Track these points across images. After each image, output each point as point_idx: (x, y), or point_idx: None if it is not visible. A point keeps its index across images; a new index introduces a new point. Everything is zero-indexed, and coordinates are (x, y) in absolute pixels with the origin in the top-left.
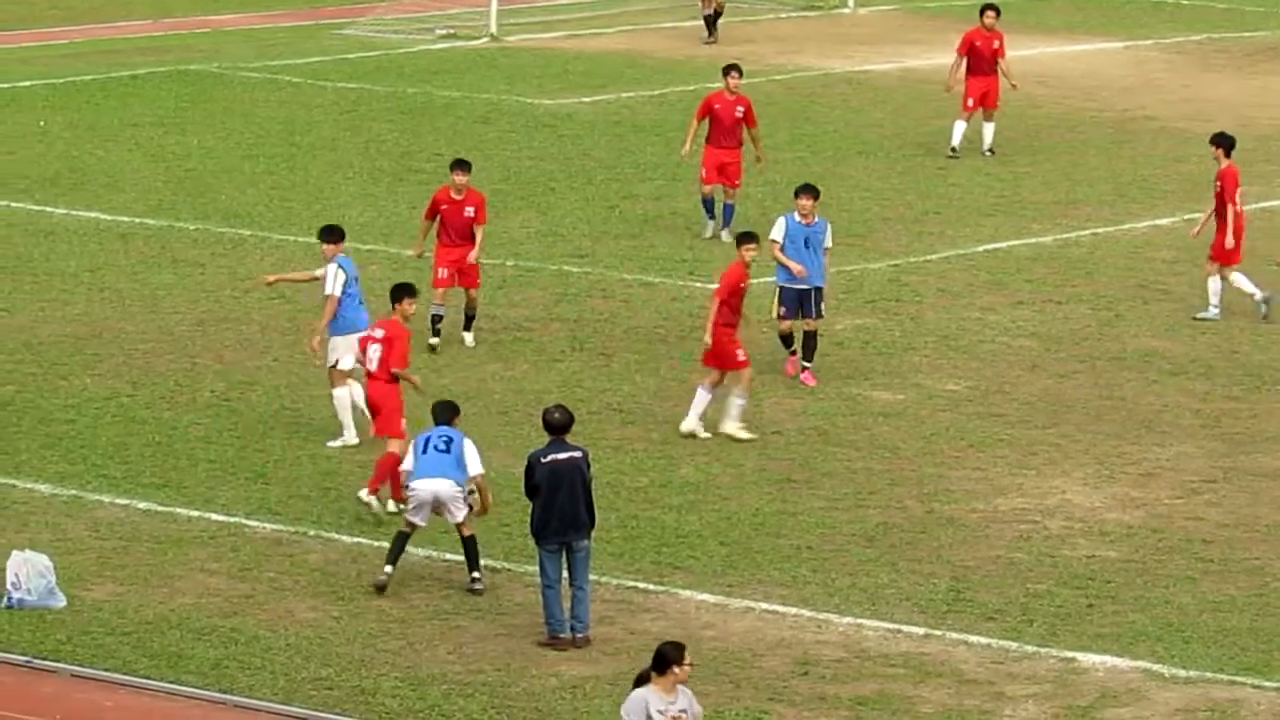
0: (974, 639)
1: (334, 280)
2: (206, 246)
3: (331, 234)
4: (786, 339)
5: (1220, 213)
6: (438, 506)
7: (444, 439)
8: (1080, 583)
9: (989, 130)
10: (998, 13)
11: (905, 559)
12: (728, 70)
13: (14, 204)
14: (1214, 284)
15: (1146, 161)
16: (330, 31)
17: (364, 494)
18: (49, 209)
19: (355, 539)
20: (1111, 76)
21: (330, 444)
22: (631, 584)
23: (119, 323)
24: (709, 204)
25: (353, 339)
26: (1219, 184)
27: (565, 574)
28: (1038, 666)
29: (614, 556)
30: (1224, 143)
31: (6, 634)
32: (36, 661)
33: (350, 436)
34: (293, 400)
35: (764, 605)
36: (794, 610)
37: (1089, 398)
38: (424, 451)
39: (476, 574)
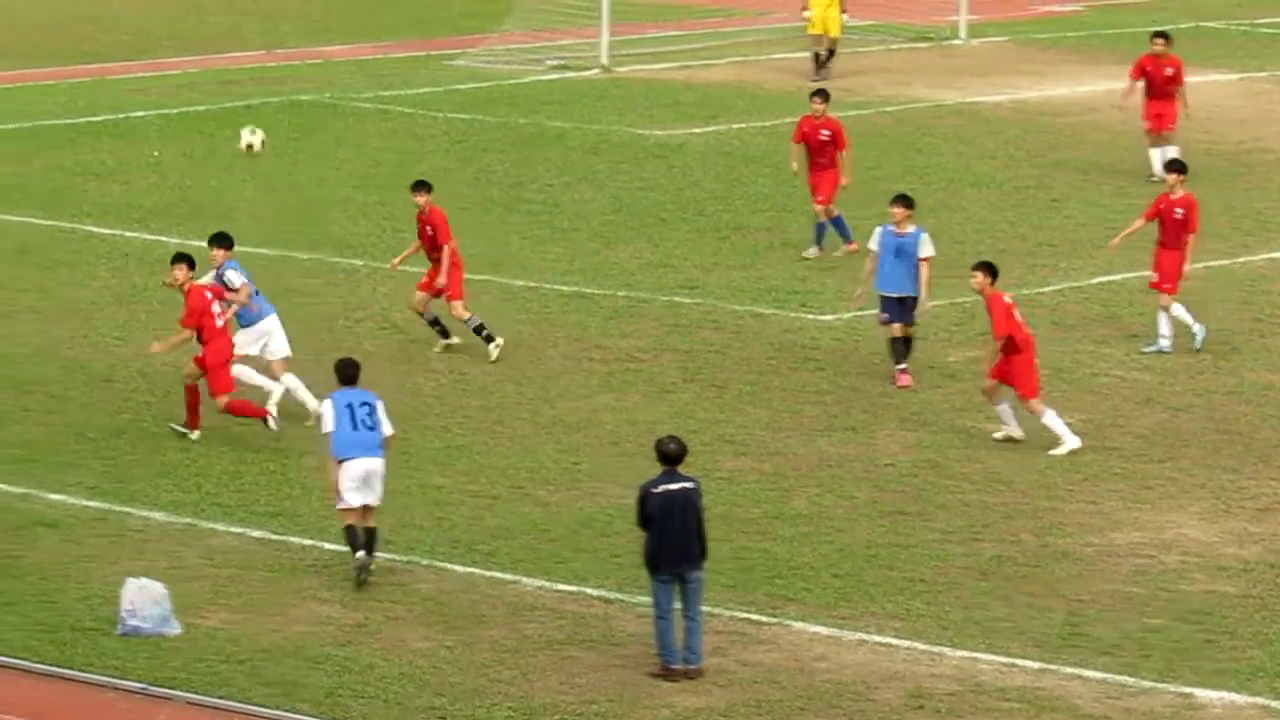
0: (1089, 674)
1: (238, 278)
2: (319, 276)
3: (223, 240)
4: (896, 346)
5: None
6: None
7: (367, 411)
8: (1197, 618)
9: (1158, 155)
10: (1166, 39)
11: (1020, 592)
12: (813, 95)
13: (129, 233)
14: None
15: (1262, 194)
16: (442, 62)
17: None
18: (163, 238)
19: (467, 569)
20: (1227, 108)
21: (307, 423)
22: (744, 615)
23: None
24: (834, 223)
25: (259, 328)
26: None
27: (678, 605)
28: (1154, 702)
29: (727, 588)
30: None
31: (122, 661)
32: (152, 689)
33: (313, 404)
34: (405, 430)
35: (877, 638)
36: (907, 643)
37: (1205, 431)
38: (353, 427)
39: (364, 555)
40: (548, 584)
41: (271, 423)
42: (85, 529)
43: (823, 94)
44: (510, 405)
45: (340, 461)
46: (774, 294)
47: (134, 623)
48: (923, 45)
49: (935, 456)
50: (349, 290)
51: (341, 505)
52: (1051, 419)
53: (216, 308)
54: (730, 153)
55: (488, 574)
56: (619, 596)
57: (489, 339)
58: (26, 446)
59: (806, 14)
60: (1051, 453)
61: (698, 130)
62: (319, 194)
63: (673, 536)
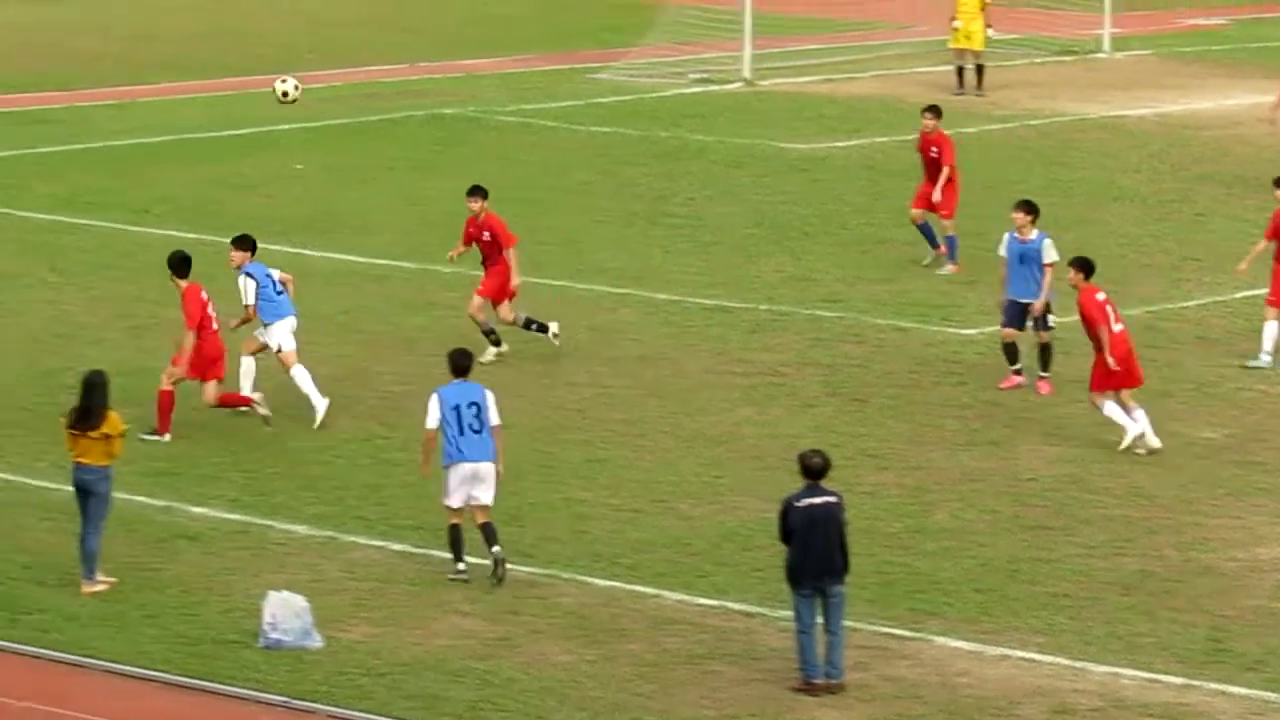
0: (1234, 689)
1: (247, 292)
2: (461, 290)
3: (243, 243)
4: (1009, 350)
5: None
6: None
7: (475, 413)
8: None
9: None
10: None
11: (1163, 607)
12: (924, 110)
13: (271, 246)
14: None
15: None
16: (585, 75)
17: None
18: (305, 251)
19: (609, 582)
20: None
21: (316, 424)
22: (886, 630)
23: (373, 365)
24: (921, 229)
25: (286, 324)
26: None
27: (820, 619)
28: None
29: (869, 602)
30: None
31: (264, 674)
32: (294, 702)
33: (320, 406)
34: (548, 444)
35: (1020, 653)
36: (1050, 658)
37: None
38: (460, 431)
39: (498, 548)
40: (689, 598)
41: (260, 408)
42: (227, 542)
43: (933, 110)
44: (652, 419)
45: (447, 466)
46: (916, 308)
47: (276, 636)
48: (1067, 59)
49: (1077, 471)
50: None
51: (446, 502)
52: (1111, 409)
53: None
54: (873, 166)
55: (629, 588)
56: (761, 611)
57: (543, 328)
58: (169, 459)
59: (956, 23)
60: (1121, 447)
61: (840, 144)
62: (460, 207)
63: (815, 551)
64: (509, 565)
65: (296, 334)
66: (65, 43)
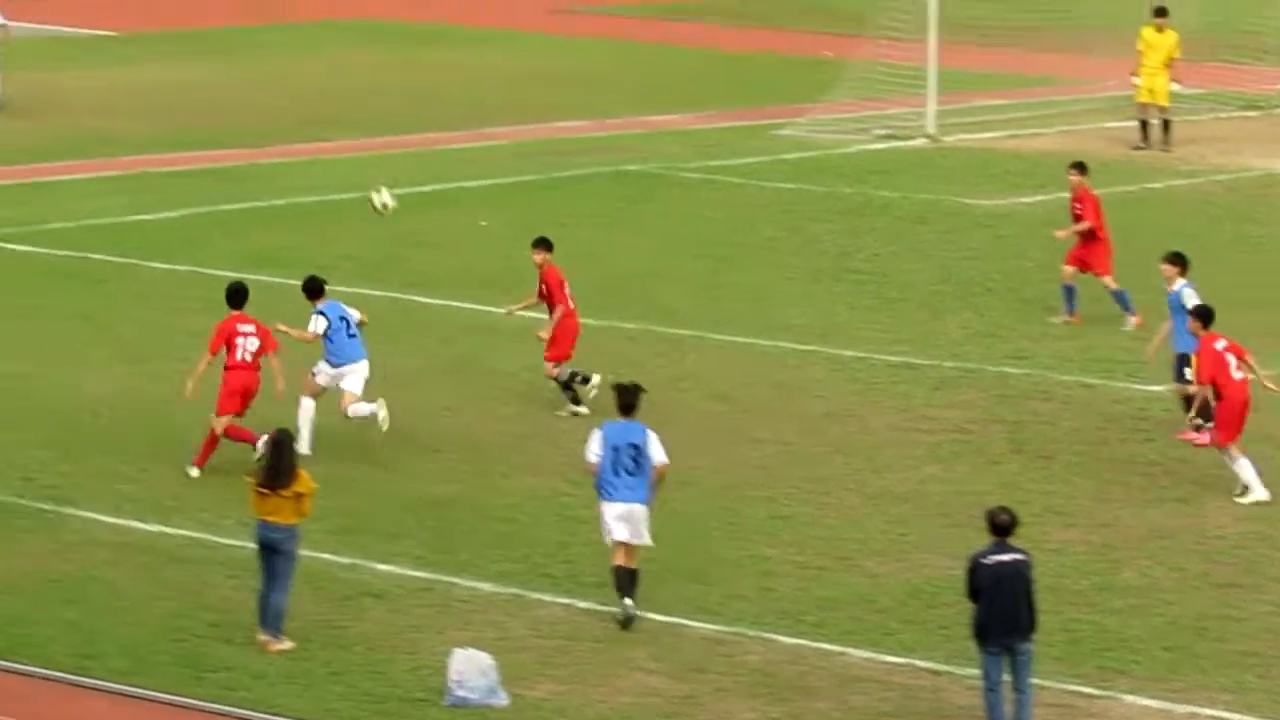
0: None
1: (313, 324)
2: (645, 346)
3: (311, 288)
4: (1184, 403)
5: None
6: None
7: (633, 454)
8: None
9: None
10: None
11: None
12: (1069, 166)
13: (455, 303)
14: None
15: None
16: (769, 132)
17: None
18: (490, 308)
19: (795, 640)
20: None
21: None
22: (1074, 688)
23: (559, 422)
24: (1065, 289)
25: (358, 369)
26: None
27: (1007, 677)
28: None
29: (1056, 660)
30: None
31: None
32: None
33: (381, 414)
34: (732, 500)
35: (1209, 711)
36: (1240, 717)
37: None
38: (615, 472)
39: (631, 601)
40: (875, 655)
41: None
42: (412, 599)
43: (1077, 166)
44: (837, 476)
45: (602, 500)
46: (1102, 363)
47: (461, 693)
48: (1253, 114)
49: (1266, 528)
50: (675, 360)
51: (608, 538)
52: (1243, 464)
53: (249, 342)
54: (1057, 223)
55: (815, 645)
56: (948, 669)
57: (585, 380)
58: (354, 516)
59: (1136, 80)
60: (1236, 499)
61: (1025, 200)
62: (645, 264)
63: (1002, 608)
64: (693, 623)
65: (370, 379)
66: (251, 99)
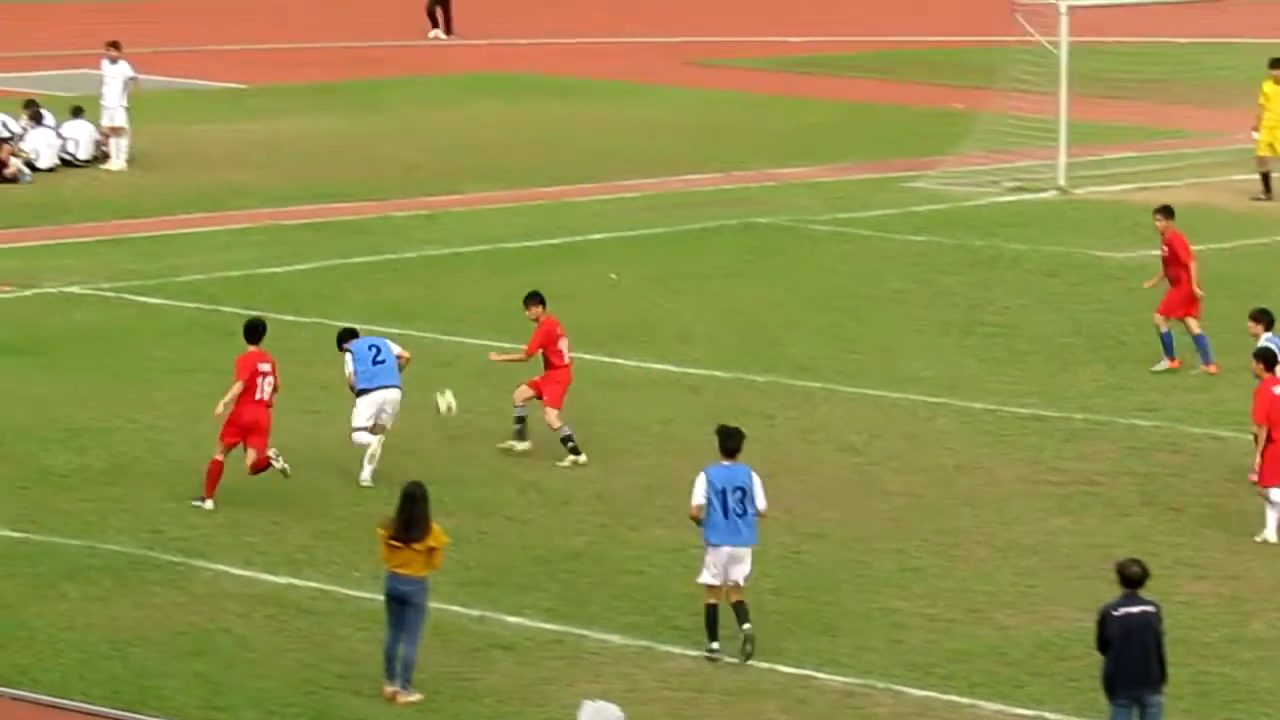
0: None
1: (346, 366)
2: (775, 399)
3: (340, 338)
4: None
5: None
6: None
7: (739, 497)
8: None
9: None
10: None
11: None
12: (1155, 211)
13: (586, 355)
14: None
15: None
16: (898, 184)
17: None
18: (620, 361)
19: (924, 692)
20: None
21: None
22: None
23: (689, 474)
24: (1162, 337)
25: (373, 398)
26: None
27: None
28: None
29: (1185, 713)
30: None
31: None
32: None
33: (366, 473)
34: (861, 553)
35: None
36: None
37: None
38: (724, 515)
39: (748, 625)
40: (1005, 708)
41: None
42: (542, 651)
43: (1162, 210)
44: (966, 528)
45: (709, 543)
46: (1232, 416)
47: None
48: None
49: None
50: (805, 413)
51: (704, 580)
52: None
53: (266, 381)
54: None
55: (944, 698)
56: None
57: (575, 450)
58: (483, 568)
59: (1256, 135)
60: (1256, 539)
61: (1155, 252)
62: (775, 316)
63: (1132, 660)
64: (822, 675)
65: (397, 411)
66: (381, 152)
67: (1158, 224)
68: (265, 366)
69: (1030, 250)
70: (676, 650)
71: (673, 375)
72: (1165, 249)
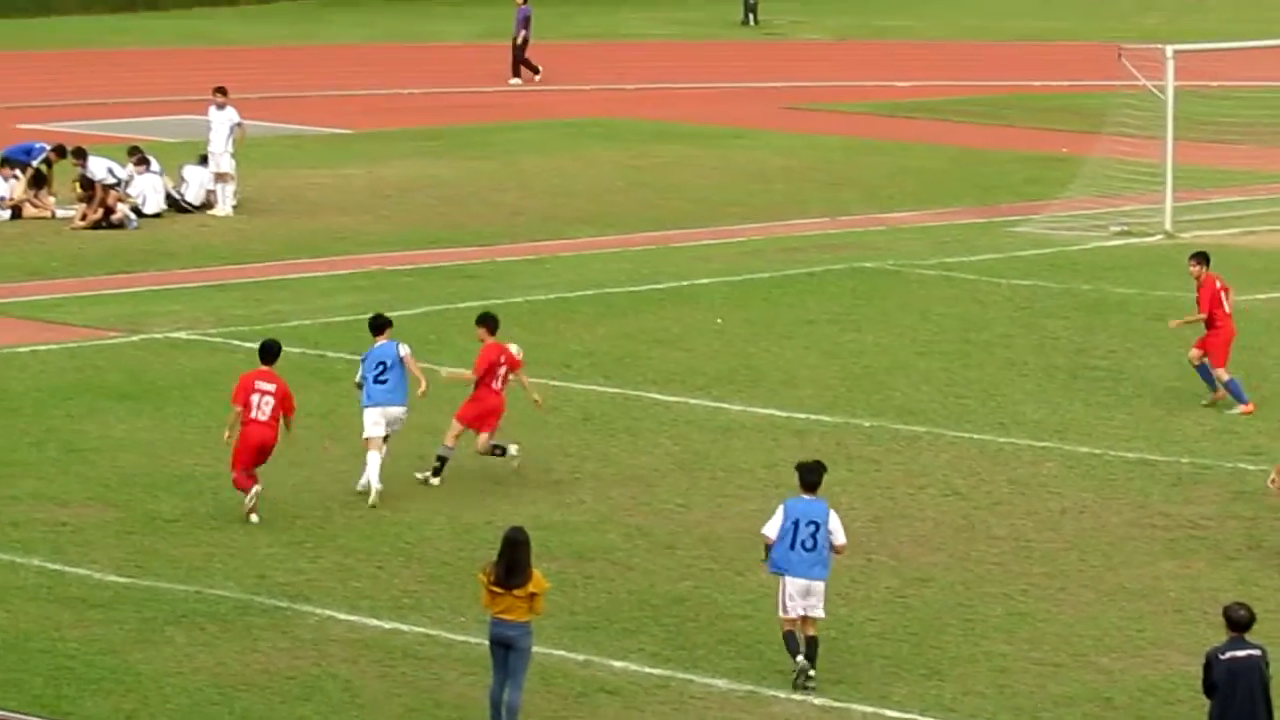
0: None
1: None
2: (881, 443)
3: (371, 325)
4: None
5: None
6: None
7: (811, 530)
8: None
9: None
10: None
11: None
12: (1190, 257)
13: (691, 400)
14: None
15: None
16: (1004, 228)
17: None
18: (725, 405)
19: None
20: None
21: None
22: None
23: None
24: (1199, 370)
25: (371, 413)
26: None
27: None
28: None
29: None
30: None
31: None
32: None
33: (373, 481)
34: (967, 598)
35: None
36: None
37: None
38: (791, 547)
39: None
40: None
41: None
42: (647, 696)
43: (1195, 256)
44: (1073, 572)
45: (778, 573)
46: None
47: None
48: None
49: None
50: (910, 457)
51: (782, 614)
52: None
53: (265, 400)
54: None
55: None
56: None
57: (503, 451)
58: (588, 613)
59: None
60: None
61: (1262, 296)
62: (881, 360)
63: (1238, 705)
64: (930, 719)
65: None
66: (486, 197)
67: (1190, 269)
68: (266, 385)
69: (1136, 294)
70: (782, 695)
71: (779, 419)
72: (1196, 295)
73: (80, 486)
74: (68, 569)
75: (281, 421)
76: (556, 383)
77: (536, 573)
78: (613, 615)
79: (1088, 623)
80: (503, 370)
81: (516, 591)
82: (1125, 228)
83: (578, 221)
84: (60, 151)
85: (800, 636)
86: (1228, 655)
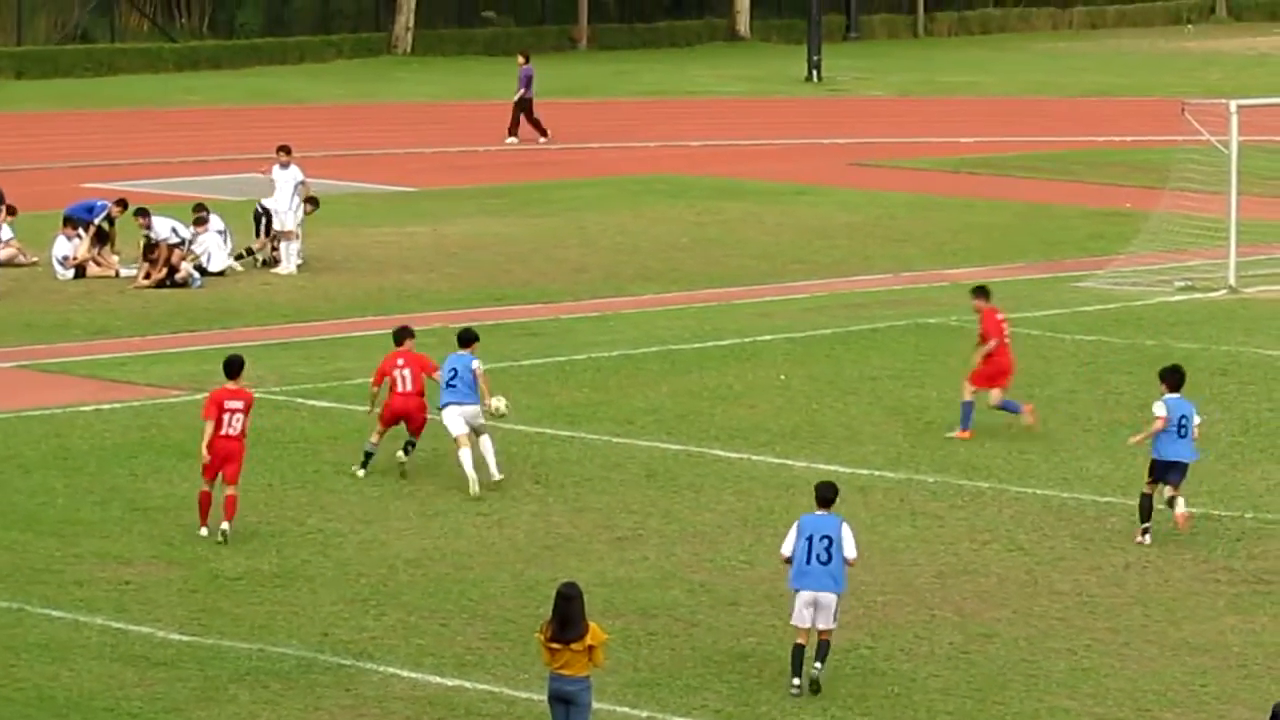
0: None
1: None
2: (945, 499)
3: (459, 338)
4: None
5: None
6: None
7: (825, 544)
8: None
9: None
10: None
11: None
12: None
13: (755, 457)
14: None
15: None
16: (1068, 284)
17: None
18: (789, 461)
19: None
20: None
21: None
22: None
23: (859, 575)
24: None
25: (453, 411)
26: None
27: None
28: None
29: None
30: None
31: None
32: None
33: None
34: (1031, 653)
35: None
36: None
37: None
38: (807, 561)
39: (820, 664)
40: None
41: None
42: None
43: (976, 291)
44: (1136, 627)
45: (793, 587)
46: None
47: None
48: None
49: None
50: (974, 512)
51: (792, 621)
52: None
53: (235, 418)
54: None
55: None
56: None
57: (365, 464)
58: (652, 670)
59: None
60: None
61: None
62: (944, 416)
63: None
64: None
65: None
66: (550, 254)
67: (975, 304)
68: (234, 404)
69: (1200, 349)
70: None
71: (842, 475)
72: (981, 326)
73: (144, 545)
74: (131, 627)
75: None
76: (620, 439)
77: (594, 625)
78: (676, 672)
79: (1151, 678)
80: (407, 372)
81: (574, 645)
82: (1189, 283)
83: (641, 278)
84: (122, 204)
85: (807, 652)
86: None
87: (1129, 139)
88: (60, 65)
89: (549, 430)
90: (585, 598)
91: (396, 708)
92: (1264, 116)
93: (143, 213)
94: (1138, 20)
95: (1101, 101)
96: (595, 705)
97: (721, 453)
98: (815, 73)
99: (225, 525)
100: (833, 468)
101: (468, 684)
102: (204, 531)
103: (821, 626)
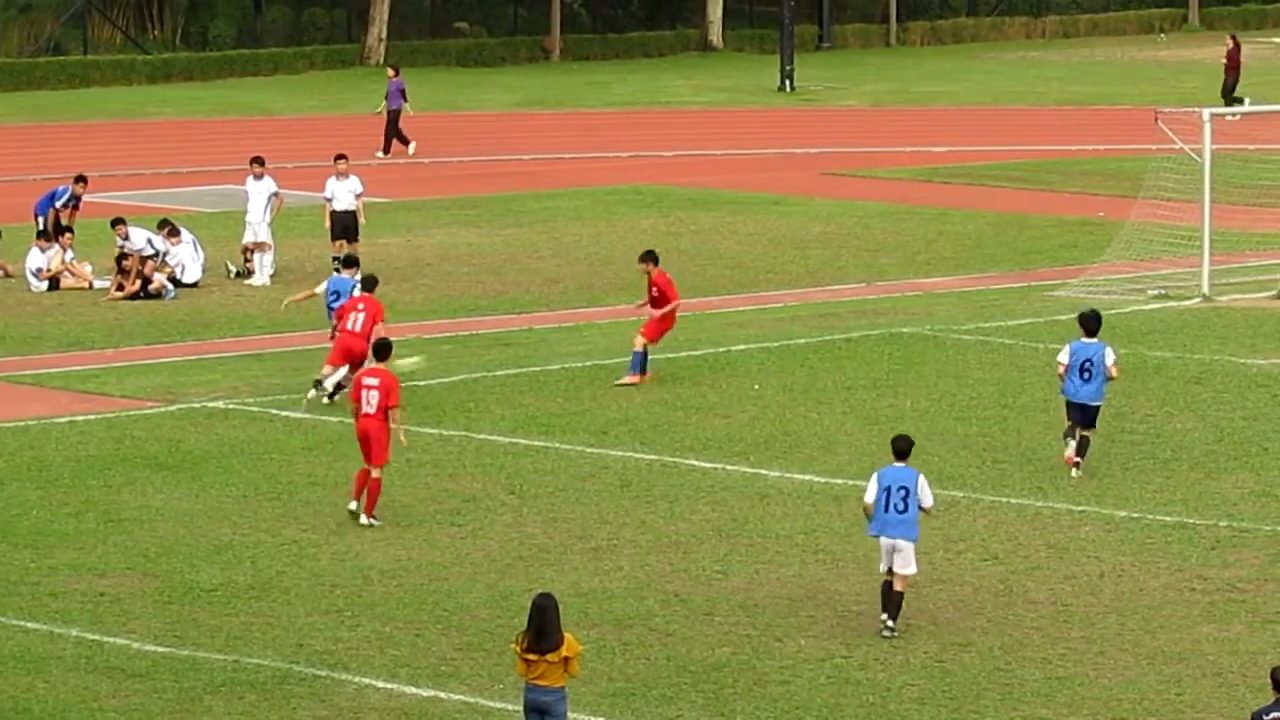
0: None
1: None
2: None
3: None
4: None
5: None
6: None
7: (902, 495)
8: None
9: None
10: None
11: None
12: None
13: (729, 467)
14: None
15: None
16: (1042, 293)
17: (364, 519)
18: (764, 471)
19: None
20: None
21: None
22: None
23: (834, 584)
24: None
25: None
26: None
27: None
28: None
29: None
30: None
31: None
32: None
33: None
34: (1007, 662)
35: None
36: None
37: None
38: (885, 510)
39: (891, 623)
40: None
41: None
42: None
43: (644, 256)
44: (1111, 636)
45: (874, 534)
46: None
47: None
48: None
49: None
50: (949, 522)
51: (881, 568)
52: None
53: None
54: None
55: None
56: None
57: (330, 393)
58: (627, 680)
59: None
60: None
61: None
62: (920, 426)
63: None
64: None
65: None
66: (526, 265)
67: (643, 267)
68: (370, 381)
69: (1174, 358)
70: None
71: (817, 485)
72: (654, 289)
73: (119, 556)
74: (106, 639)
75: None
76: (594, 450)
77: (569, 635)
78: (651, 682)
79: (1127, 687)
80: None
81: (550, 656)
82: (1163, 291)
83: (615, 289)
84: (82, 180)
85: (890, 593)
86: (1272, 717)
87: (1102, 148)
88: (33, 78)
89: (523, 441)
90: (560, 608)
91: (372, 718)
92: (1238, 126)
93: (120, 221)
94: (1110, 30)
95: (1074, 111)
96: (571, 715)
97: (696, 463)
98: (788, 83)
99: (353, 505)
100: (807, 477)
101: (443, 695)
102: (352, 506)
103: (899, 570)
